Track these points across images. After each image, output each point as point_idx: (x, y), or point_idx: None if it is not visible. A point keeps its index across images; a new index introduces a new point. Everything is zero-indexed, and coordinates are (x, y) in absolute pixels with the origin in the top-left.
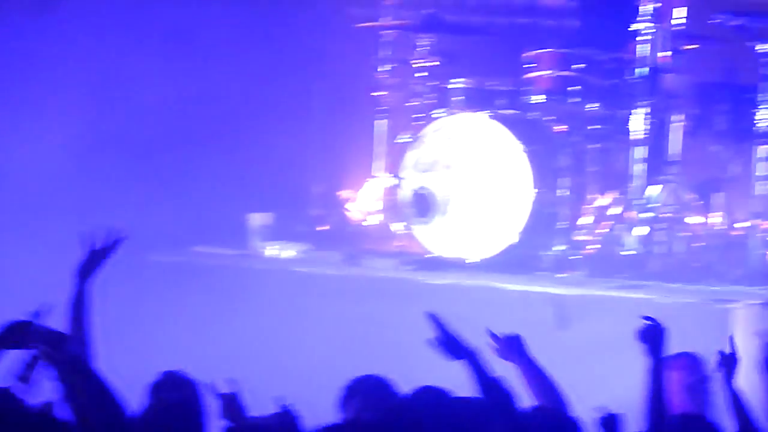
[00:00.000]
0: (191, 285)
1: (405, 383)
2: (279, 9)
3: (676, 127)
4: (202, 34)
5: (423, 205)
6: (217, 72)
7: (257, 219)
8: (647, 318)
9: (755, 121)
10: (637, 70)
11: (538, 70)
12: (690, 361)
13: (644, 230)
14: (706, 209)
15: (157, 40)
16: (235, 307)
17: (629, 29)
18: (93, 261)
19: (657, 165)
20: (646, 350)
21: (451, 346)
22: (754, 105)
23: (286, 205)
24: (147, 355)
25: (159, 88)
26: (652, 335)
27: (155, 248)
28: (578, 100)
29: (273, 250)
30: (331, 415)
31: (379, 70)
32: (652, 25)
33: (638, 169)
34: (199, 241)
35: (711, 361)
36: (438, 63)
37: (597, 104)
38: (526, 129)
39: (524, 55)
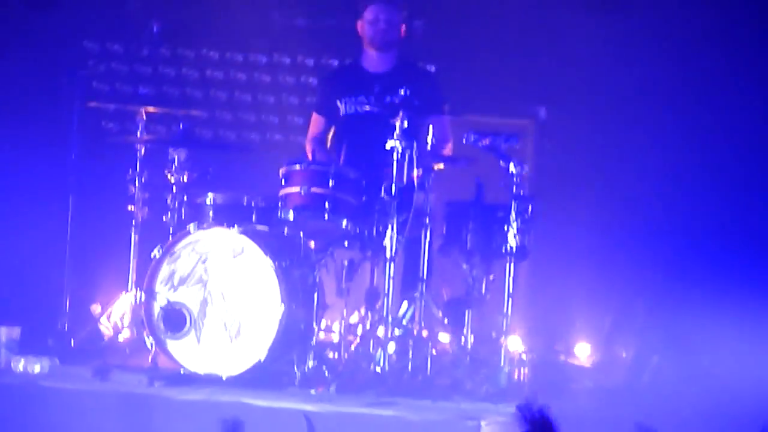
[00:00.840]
0: None
1: None
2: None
3: (427, 245)
4: None
5: (175, 320)
6: None
7: (5, 332)
8: None
9: (505, 239)
10: (390, 187)
11: (291, 186)
12: None
13: (393, 347)
14: (454, 326)
15: None
16: None
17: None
18: None
19: (407, 282)
20: None
21: None
22: (504, 223)
23: (35, 318)
24: None
25: None
26: None
27: None
28: (330, 216)
29: (21, 364)
30: None
31: (134, 184)
32: (405, 143)
33: (389, 285)
34: None
35: None
36: (190, 178)
37: (349, 221)
38: (277, 244)
39: (280, 170)
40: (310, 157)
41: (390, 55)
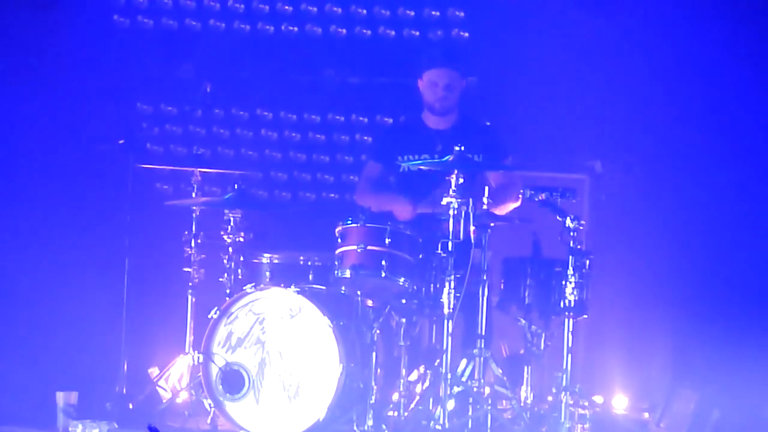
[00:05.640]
0: None
1: None
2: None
3: (485, 301)
4: None
5: (233, 381)
6: None
7: (63, 397)
8: None
9: (563, 295)
10: (447, 244)
11: (347, 245)
12: None
13: (453, 404)
14: (513, 383)
15: None
16: None
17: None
18: None
19: (466, 339)
20: None
21: None
22: (561, 278)
23: (93, 382)
24: None
25: None
26: None
27: None
28: (387, 274)
29: (80, 430)
30: None
31: (189, 245)
32: (461, 199)
33: (447, 343)
34: (6, 421)
35: None
36: (246, 238)
37: (406, 279)
38: (334, 303)
39: (336, 228)
40: (366, 198)
41: (452, 114)
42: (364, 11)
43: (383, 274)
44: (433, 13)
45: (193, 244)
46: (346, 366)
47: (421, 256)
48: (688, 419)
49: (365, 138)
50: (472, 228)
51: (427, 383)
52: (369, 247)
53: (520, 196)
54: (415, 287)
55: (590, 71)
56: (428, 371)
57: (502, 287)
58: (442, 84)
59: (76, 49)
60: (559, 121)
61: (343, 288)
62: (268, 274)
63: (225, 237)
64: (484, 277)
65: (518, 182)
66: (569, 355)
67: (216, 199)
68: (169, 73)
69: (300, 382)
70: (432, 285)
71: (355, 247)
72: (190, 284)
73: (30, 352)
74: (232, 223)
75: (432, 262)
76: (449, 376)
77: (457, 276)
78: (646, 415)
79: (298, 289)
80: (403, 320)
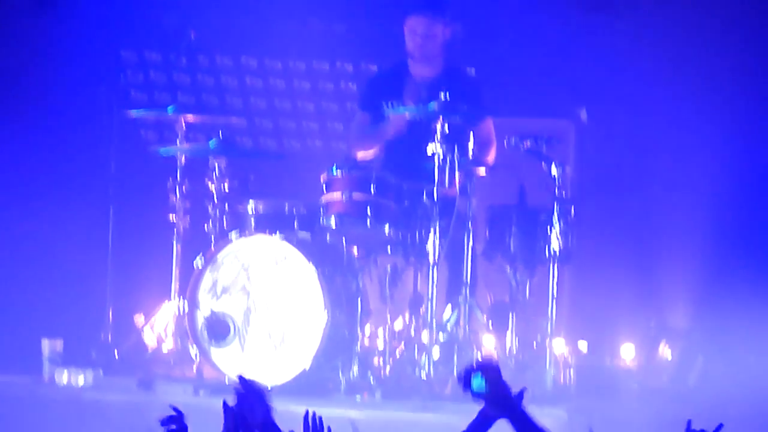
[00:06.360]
0: None
1: None
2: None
3: (470, 249)
4: None
5: (219, 329)
6: None
7: (48, 345)
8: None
9: (548, 243)
10: (432, 192)
11: (332, 192)
12: None
13: (438, 352)
14: (498, 330)
15: None
16: None
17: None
18: None
19: (451, 287)
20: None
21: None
22: (546, 226)
23: (78, 330)
24: None
25: None
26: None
27: None
28: (372, 222)
29: (65, 377)
30: None
31: (174, 193)
32: (446, 147)
33: (432, 291)
34: None
35: None
36: (231, 186)
37: (392, 227)
38: (319, 251)
39: (321, 176)
40: (363, 147)
41: (434, 62)
42: None
43: (368, 222)
44: None
45: (177, 192)
46: (331, 314)
47: (406, 203)
48: (673, 365)
49: (350, 85)
50: (457, 176)
51: (412, 331)
52: (354, 195)
53: (504, 144)
54: (400, 235)
55: (575, 18)
56: (413, 319)
57: (487, 235)
58: (420, 31)
59: None
60: (544, 68)
61: (328, 236)
62: (253, 221)
63: (210, 185)
64: (470, 225)
65: (493, 133)
66: (554, 303)
67: (201, 147)
68: (154, 21)
69: (285, 330)
70: (417, 233)
71: (340, 195)
72: (175, 232)
73: (15, 299)
74: (216, 171)
75: (417, 210)
76: (434, 323)
77: (443, 224)
78: (630, 361)
79: (284, 237)
80: (389, 268)
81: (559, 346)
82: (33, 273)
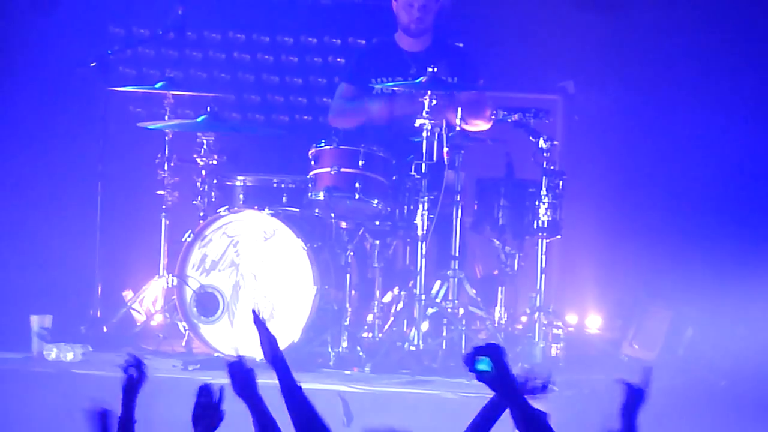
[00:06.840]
0: None
1: None
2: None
3: (458, 222)
4: None
5: (207, 304)
6: None
7: (37, 321)
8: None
9: (536, 215)
10: (421, 166)
11: (320, 167)
12: None
13: (427, 325)
14: (487, 304)
15: None
16: (16, 411)
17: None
18: None
19: (440, 260)
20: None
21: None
22: (535, 199)
23: (67, 305)
24: None
25: None
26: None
27: None
28: (360, 196)
29: (54, 352)
30: None
31: (162, 168)
32: (434, 121)
33: (421, 264)
34: None
35: None
36: (219, 161)
37: (380, 200)
38: (308, 226)
39: (309, 150)
40: (341, 118)
41: (425, 36)
42: None
43: (357, 196)
44: None
45: (166, 167)
46: (320, 288)
47: (394, 177)
48: (662, 338)
49: (338, 60)
50: (445, 149)
51: (401, 305)
52: (342, 169)
53: (492, 117)
54: (388, 209)
55: None
56: (402, 293)
57: (475, 208)
58: (417, 5)
59: None
60: (532, 41)
61: (316, 210)
62: (241, 196)
63: (198, 160)
64: (458, 199)
65: (488, 101)
66: (543, 276)
67: (189, 122)
68: None
69: (274, 304)
70: (406, 207)
71: (328, 170)
72: (164, 207)
73: (3, 275)
74: (205, 146)
75: (406, 183)
76: (423, 297)
77: (431, 197)
78: (619, 333)
79: (272, 212)
80: (377, 242)
81: (548, 319)
82: (21, 249)
